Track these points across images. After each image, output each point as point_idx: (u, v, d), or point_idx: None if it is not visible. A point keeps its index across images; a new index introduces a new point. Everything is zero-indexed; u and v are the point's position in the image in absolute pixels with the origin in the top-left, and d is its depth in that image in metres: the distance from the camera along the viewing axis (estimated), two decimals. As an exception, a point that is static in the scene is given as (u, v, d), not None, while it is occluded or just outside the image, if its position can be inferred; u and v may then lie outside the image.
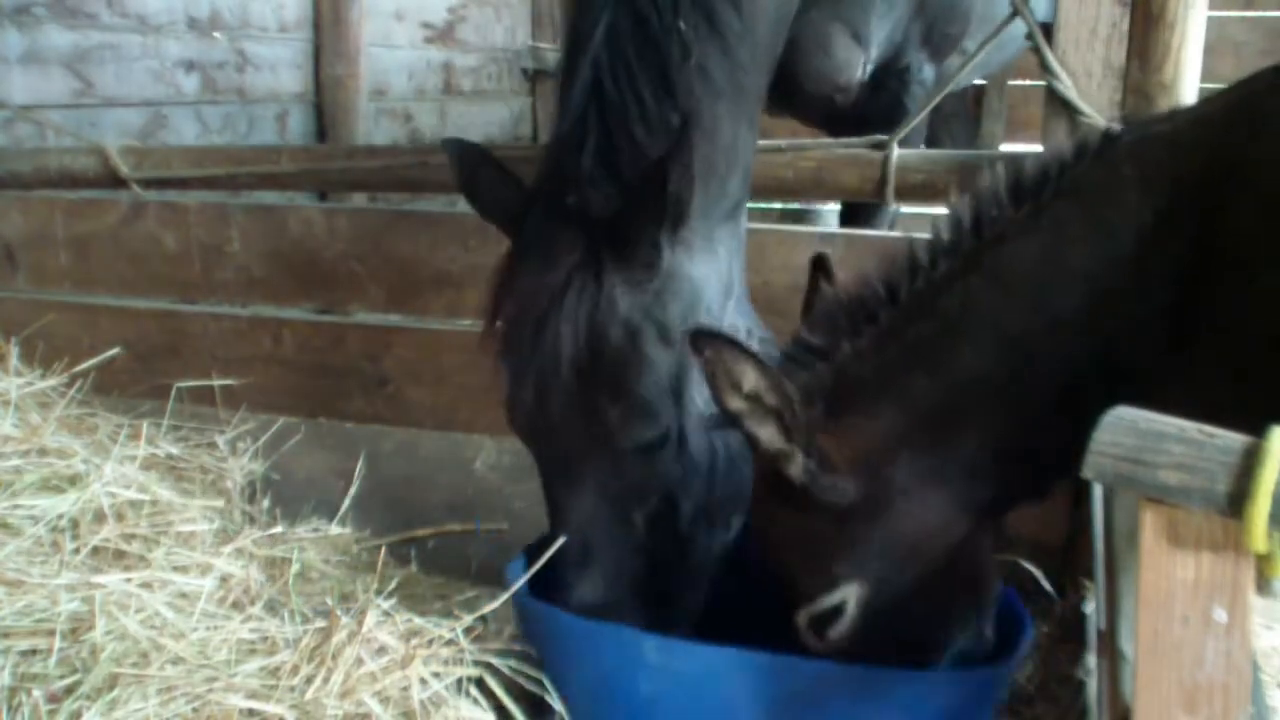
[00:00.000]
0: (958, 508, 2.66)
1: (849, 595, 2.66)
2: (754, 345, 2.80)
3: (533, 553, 3.09)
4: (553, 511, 3.15)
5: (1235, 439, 1.69)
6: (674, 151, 2.87)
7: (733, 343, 2.49)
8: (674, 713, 2.88)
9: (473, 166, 3.28)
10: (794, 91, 5.05)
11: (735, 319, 3.21)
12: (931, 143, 7.01)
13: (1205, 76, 3.65)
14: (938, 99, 4.28)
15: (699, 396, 3.01)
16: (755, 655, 2.80)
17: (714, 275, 3.18)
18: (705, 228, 3.15)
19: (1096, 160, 2.61)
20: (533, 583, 3.05)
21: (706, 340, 2.48)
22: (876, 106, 5.10)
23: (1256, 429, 1.71)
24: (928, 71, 5.23)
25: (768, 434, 2.54)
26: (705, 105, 3.15)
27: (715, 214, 3.20)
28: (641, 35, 3.12)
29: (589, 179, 3.05)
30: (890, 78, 5.15)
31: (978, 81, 7.81)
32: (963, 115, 7.26)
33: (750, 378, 2.48)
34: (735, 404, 2.51)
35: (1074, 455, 2.36)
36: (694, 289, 3.10)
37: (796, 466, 2.57)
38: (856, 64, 4.88)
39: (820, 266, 3.00)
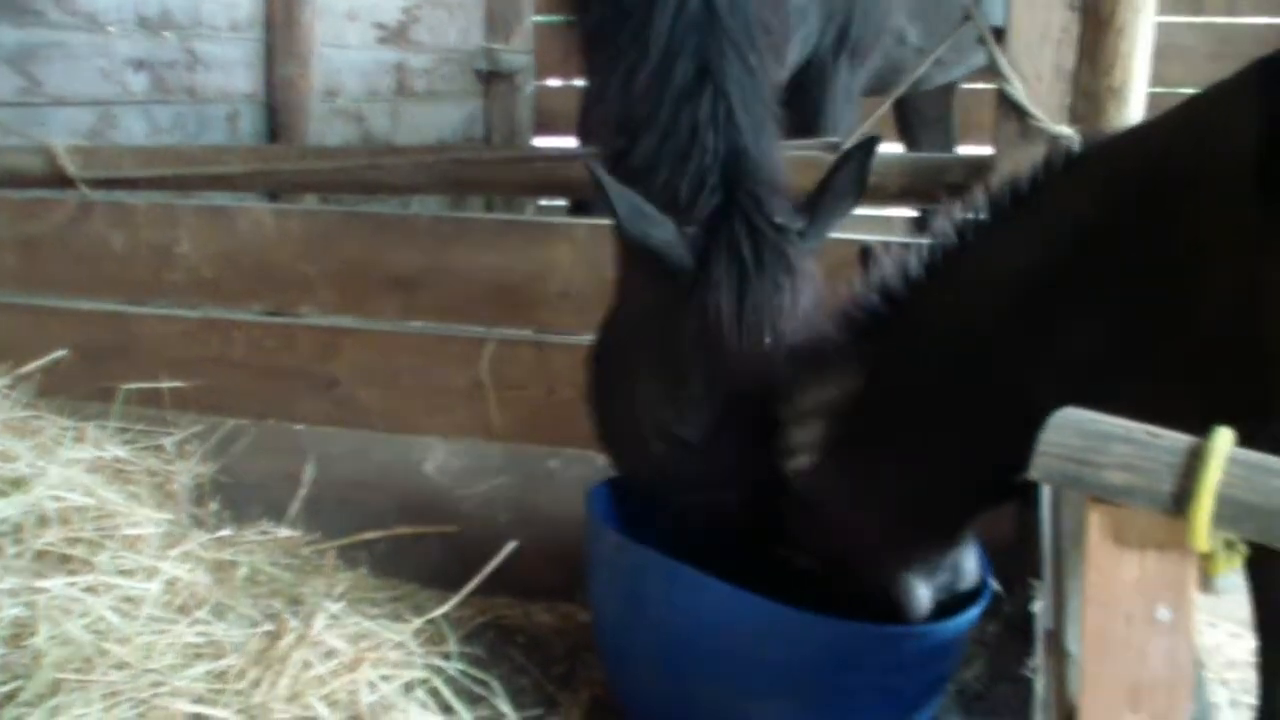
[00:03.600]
0: (907, 529, 2.91)
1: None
2: None
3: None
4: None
5: (1180, 439, 1.71)
6: (869, 144, 3.21)
7: (825, 364, 2.86)
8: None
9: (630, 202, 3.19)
10: None
11: None
12: (912, 145, 7.05)
13: (1154, 81, 3.69)
14: (889, 103, 4.31)
15: None
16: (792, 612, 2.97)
17: None
18: None
19: (1060, 173, 2.71)
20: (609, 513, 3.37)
21: (808, 356, 2.87)
22: (797, 108, 5.12)
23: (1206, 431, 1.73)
24: (846, 73, 5.26)
25: (803, 435, 2.89)
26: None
27: None
28: (746, 71, 3.36)
29: (773, 201, 3.23)
30: (809, 81, 5.17)
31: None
32: (946, 119, 7.26)
33: (825, 393, 2.86)
34: (806, 407, 2.87)
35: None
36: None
37: (796, 465, 2.88)
38: None
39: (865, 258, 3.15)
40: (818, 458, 2.84)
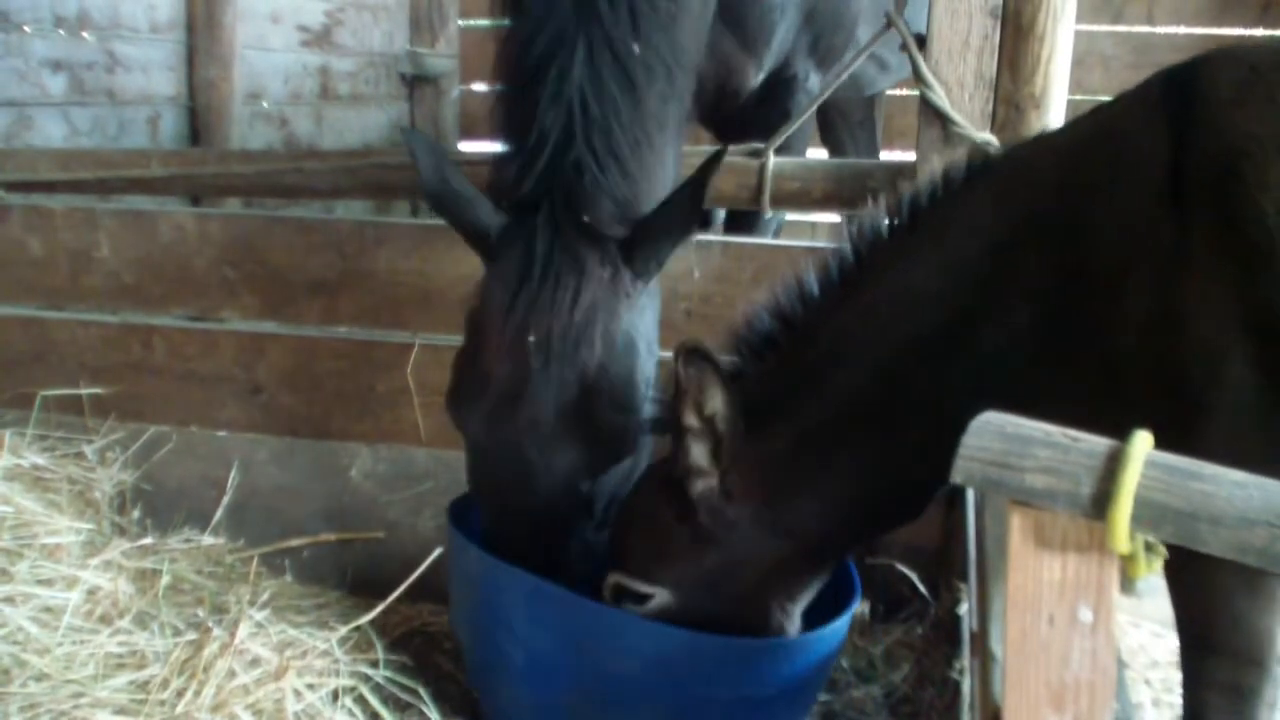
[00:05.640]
0: (801, 561, 2.85)
1: (658, 596, 2.84)
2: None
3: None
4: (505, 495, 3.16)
5: (1099, 443, 1.74)
6: (705, 169, 2.99)
7: (717, 368, 2.66)
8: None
9: (441, 171, 3.19)
10: None
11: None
12: (836, 149, 7.06)
13: (1074, 89, 3.75)
14: (812, 109, 4.33)
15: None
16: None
17: (656, 284, 3.30)
18: None
19: (962, 187, 2.70)
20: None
21: (698, 358, 2.64)
22: (765, 114, 5.13)
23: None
24: (814, 80, 5.27)
25: (699, 453, 2.72)
26: (656, 129, 3.27)
27: None
28: (612, 58, 3.18)
29: (592, 198, 3.10)
30: (779, 86, 5.18)
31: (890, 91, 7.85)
32: (869, 123, 7.28)
33: (716, 403, 2.66)
34: (691, 421, 2.69)
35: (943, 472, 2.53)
36: (658, 299, 3.25)
37: (702, 487, 2.75)
38: (746, 72, 4.91)
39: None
40: (721, 479, 2.77)
